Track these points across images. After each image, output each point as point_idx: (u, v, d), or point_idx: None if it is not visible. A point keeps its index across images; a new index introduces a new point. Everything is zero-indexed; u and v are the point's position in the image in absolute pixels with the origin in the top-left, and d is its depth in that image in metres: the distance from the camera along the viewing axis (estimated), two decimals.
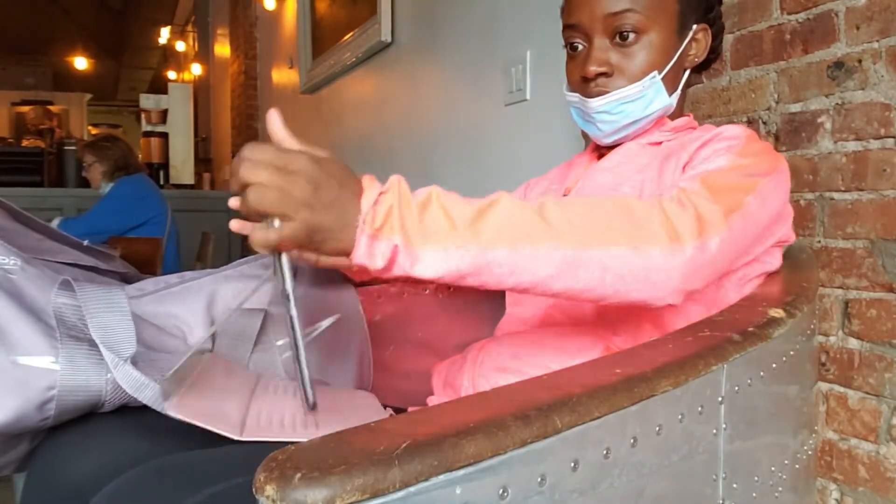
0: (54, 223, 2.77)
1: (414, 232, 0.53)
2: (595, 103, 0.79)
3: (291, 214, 0.51)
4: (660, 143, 0.84)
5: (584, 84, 0.80)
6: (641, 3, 0.77)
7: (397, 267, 0.53)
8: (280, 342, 0.91)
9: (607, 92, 0.78)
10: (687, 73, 0.83)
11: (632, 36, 0.77)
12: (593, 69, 0.78)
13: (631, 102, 0.78)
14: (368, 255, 0.53)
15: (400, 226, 0.53)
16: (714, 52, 0.87)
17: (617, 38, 0.78)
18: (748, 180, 0.68)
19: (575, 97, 0.82)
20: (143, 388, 0.69)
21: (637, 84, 0.78)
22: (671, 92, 0.81)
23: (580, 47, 0.81)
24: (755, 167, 0.70)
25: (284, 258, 0.55)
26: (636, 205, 0.59)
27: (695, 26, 0.81)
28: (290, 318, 0.56)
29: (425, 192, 0.55)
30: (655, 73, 0.78)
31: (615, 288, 0.57)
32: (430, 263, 0.53)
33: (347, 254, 0.53)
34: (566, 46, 0.83)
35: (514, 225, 0.55)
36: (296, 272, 0.65)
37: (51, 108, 7.94)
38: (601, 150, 0.89)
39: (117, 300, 0.75)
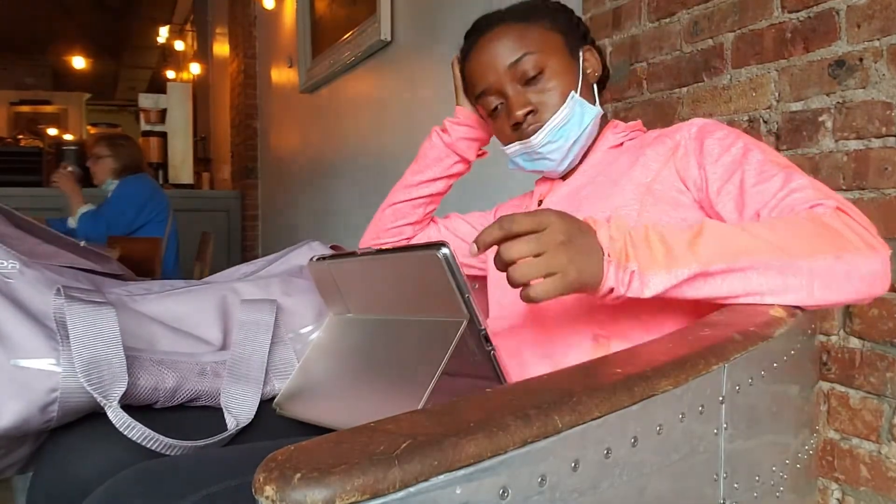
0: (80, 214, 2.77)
1: (644, 261, 0.61)
2: (537, 139, 0.86)
3: (560, 272, 0.59)
4: (620, 144, 0.90)
5: (517, 130, 0.87)
6: (532, 44, 0.85)
7: (630, 290, 0.61)
8: (291, 335, 0.90)
9: (541, 125, 0.85)
10: (595, 87, 0.91)
11: (537, 74, 0.85)
12: (520, 112, 0.85)
13: (566, 125, 0.85)
14: (616, 281, 0.61)
15: (634, 256, 0.61)
16: (605, 70, 0.95)
17: (526, 82, 0.85)
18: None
19: (515, 146, 0.88)
20: (130, 429, 0.70)
21: (563, 108, 0.85)
22: (592, 104, 0.88)
23: (499, 106, 0.88)
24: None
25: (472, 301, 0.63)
26: (823, 218, 0.65)
27: (581, 49, 0.89)
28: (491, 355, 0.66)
29: (643, 228, 0.64)
30: (573, 92, 0.85)
31: (822, 294, 0.63)
32: (658, 284, 0.61)
33: (595, 283, 0.61)
34: (487, 114, 0.90)
35: (727, 243, 0.62)
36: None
37: (48, 107, 7.95)
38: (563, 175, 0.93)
39: (106, 327, 0.74)
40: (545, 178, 0.96)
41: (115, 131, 5.47)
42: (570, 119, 0.85)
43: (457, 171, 1.04)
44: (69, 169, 3.00)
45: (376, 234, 1.08)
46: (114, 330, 0.74)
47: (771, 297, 0.63)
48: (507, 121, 0.87)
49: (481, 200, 1.16)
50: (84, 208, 2.79)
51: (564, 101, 0.85)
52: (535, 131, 0.85)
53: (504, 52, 0.85)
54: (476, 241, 0.60)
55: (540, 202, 0.92)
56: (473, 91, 0.91)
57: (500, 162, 1.03)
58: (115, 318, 0.74)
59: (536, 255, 0.59)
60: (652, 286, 0.61)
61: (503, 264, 0.60)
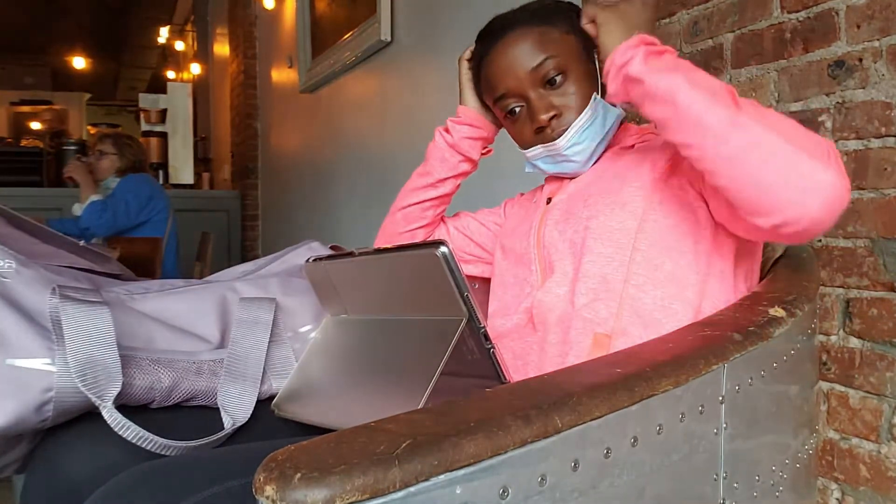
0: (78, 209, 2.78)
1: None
2: (563, 141, 0.85)
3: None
4: (632, 145, 0.89)
5: (541, 133, 0.86)
6: (552, 48, 0.85)
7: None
8: (289, 334, 0.90)
9: (566, 128, 0.85)
10: None
11: (559, 77, 0.85)
12: (544, 117, 0.85)
13: (590, 126, 0.85)
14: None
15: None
16: None
17: (548, 85, 0.85)
18: None
19: (538, 149, 0.88)
20: (125, 429, 0.70)
21: (587, 110, 0.85)
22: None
23: (519, 109, 0.88)
24: None
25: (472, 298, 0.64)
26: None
27: (595, 51, 0.89)
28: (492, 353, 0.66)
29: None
30: (595, 94, 0.86)
31: (757, 167, 0.63)
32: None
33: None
34: (505, 115, 0.90)
35: (708, 82, 0.70)
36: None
37: (49, 107, 7.94)
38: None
39: (101, 327, 0.73)
40: (555, 177, 0.95)
41: (119, 130, 5.47)
42: (595, 120, 0.85)
43: (463, 171, 1.04)
44: (82, 159, 3.02)
45: (388, 240, 1.07)
46: (109, 330, 0.73)
47: (712, 146, 0.65)
48: (528, 124, 0.87)
49: (487, 200, 1.16)
50: (94, 197, 2.80)
51: (588, 104, 0.85)
52: (561, 134, 0.85)
53: (524, 56, 0.85)
54: None
55: (549, 200, 0.92)
56: (492, 94, 0.90)
57: (504, 159, 1.03)
58: (109, 318, 0.74)
59: None
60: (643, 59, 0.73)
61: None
